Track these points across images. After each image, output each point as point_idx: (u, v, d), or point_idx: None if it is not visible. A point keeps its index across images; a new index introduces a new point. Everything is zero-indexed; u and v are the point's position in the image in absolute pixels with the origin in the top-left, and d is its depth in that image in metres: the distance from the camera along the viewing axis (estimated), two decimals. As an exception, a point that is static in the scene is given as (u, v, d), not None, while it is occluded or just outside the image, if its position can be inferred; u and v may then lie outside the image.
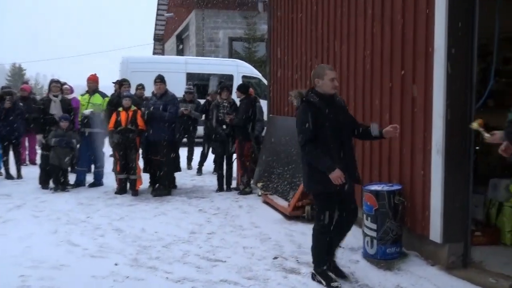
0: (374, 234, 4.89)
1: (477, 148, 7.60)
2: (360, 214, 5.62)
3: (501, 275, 4.41)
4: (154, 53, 34.37)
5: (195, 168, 11.07)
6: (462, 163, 4.66)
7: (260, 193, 8.19)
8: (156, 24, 32.90)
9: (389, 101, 5.44)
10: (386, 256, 4.88)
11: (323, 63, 7.30)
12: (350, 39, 6.43)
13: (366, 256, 5.05)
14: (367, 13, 5.97)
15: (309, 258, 5.11)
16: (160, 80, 8.48)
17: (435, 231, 4.74)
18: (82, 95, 9.49)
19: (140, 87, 10.43)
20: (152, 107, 8.31)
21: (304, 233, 6.10)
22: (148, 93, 9.89)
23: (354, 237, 5.75)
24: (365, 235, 5.05)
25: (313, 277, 4.50)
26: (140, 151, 8.75)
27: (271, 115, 9.89)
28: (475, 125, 4.06)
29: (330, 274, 4.42)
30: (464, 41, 4.58)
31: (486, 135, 3.98)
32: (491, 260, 4.77)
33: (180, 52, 27.83)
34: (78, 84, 14.68)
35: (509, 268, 4.51)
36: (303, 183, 4.56)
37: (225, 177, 8.95)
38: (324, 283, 4.36)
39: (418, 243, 5.11)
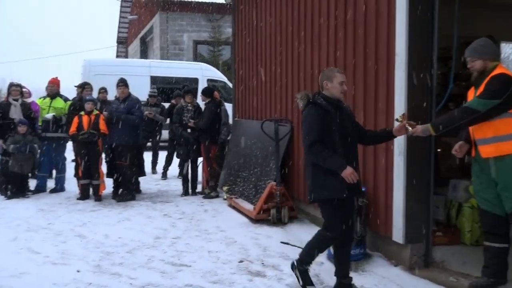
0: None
1: (438, 150, 7.82)
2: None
3: (461, 274, 4.52)
4: (117, 56, 33.93)
5: (159, 172, 10.96)
6: (424, 165, 4.76)
7: (225, 197, 8.16)
8: (119, 27, 32.50)
9: (353, 104, 5.51)
10: (350, 257, 4.92)
11: (287, 66, 7.37)
12: (314, 42, 6.50)
13: (331, 257, 5.08)
14: (331, 17, 6.05)
15: (274, 261, 5.16)
16: (123, 83, 8.38)
17: (398, 232, 4.83)
18: (42, 98, 9.27)
19: (103, 90, 10.27)
20: (115, 111, 8.20)
21: (269, 236, 6.12)
22: (111, 96, 9.75)
23: (319, 239, 5.81)
24: (329, 237, 5.09)
25: (292, 268, 4.47)
26: (103, 155, 8.62)
27: (236, 118, 9.89)
28: (399, 118, 4.19)
29: (310, 277, 4.38)
30: (425, 46, 4.68)
31: (409, 129, 4.10)
32: (451, 259, 4.88)
33: (144, 55, 27.54)
34: (38, 87, 14.35)
35: (468, 267, 4.62)
36: (308, 192, 4.24)
37: (190, 181, 8.89)
38: (300, 282, 4.35)
39: (381, 244, 5.19)
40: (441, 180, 6.26)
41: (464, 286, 4.26)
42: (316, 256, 4.37)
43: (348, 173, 3.97)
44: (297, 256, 4.48)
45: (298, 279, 4.40)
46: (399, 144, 4.76)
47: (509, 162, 3.93)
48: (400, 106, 4.71)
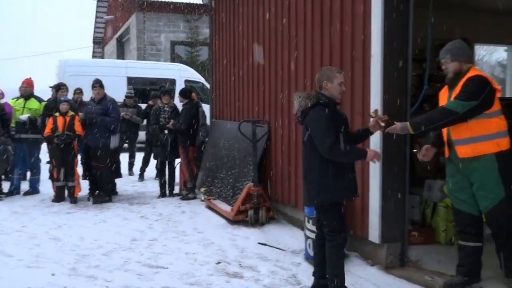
0: (312, 235, 4.94)
1: (414, 150, 7.92)
2: (301, 216, 5.71)
3: (436, 272, 4.58)
4: (93, 57, 33.55)
5: (136, 174, 10.88)
6: (399, 165, 4.80)
7: (203, 198, 8.13)
8: (95, 27, 32.15)
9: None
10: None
11: (264, 67, 7.38)
12: (291, 43, 6.52)
13: (309, 258, 5.11)
14: (307, 18, 6.08)
15: (251, 262, 5.16)
16: (98, 84, 8.28)
17: (374, 232, 4.87)
18: (16, 99, 9.11)
19: (78, 91, 10.14)
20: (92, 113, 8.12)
21: (247, 237, 6.12)
22: (86, 97, 9.64)
23: (296, 240, 5.85)
24: (307, 237, 5.11)
25: None
26: (79, 157, 8.51)
27: (214, 119, 9.87)
28: (372, 114, 4.22)
29: None
30: (400, 47, 4.73)
31: (382, 124, 4.13)
32: (427, 258, 4.94)
33: (120, 56, 27.29)
34: (11, 88, 14.07)
35: (443, 266, 4.69)
36: (310, 197, 4.09)
37: (167, 182, 8.84)
38: None
39: (358, 244, 5.23)
40: (417, 180, 6.35)
41: (439, 284, 4.32)
42: (343, 267, 4.14)
43: (372, 155, 4.03)
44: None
45: None
46: (375, 145, 4.80)
47: (485, 162, 4.00)
48: (375, 106, 4.73)
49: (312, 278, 4.37)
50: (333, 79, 4.05)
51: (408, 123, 4.11)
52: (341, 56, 5.36)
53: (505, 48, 11.55)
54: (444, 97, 4.25)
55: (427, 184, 5.76)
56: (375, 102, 4.76)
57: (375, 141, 4.78)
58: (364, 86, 4.95)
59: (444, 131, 4.22)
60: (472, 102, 3.92)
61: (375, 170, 4.82)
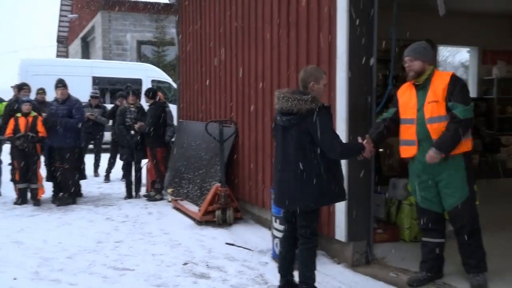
0: (279, 235, 4.95)
1: (380, 150, 8.05)
2: (268, 216, 5.73)
3: (401, 269, 4.66)
4: (57, 56, 32.91)
5: (102, 175, 10.72)
6: (365, 164, 4.85)
7: (170, 199, 8.07)
8: (59, 25, 31.52)
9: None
10: (295, 256, 4.97)
11: (232, 68, 7.37)
12: (258, 44, 6.53)
13: (276, 257, 5.11)
14: (274, 20, 6.10)
15: (219, 262, 5.14)
16: (62, 84, 8.11)
17: (340, 231, 4.92)
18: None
19: (41, 91, 9.91)
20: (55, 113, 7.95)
21: (214, 237, 6.10)
22: (50, 98, 9.43)
23: (263, 239, 5.86)
24: (274, 237, 5.13)
25: None
26: (43, 158, 8.33)
27: (181, 120, 9.81)
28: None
29: None
30: (365, 48, 4.78)
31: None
32: (392, 256, 5.02)
33: (85, 55, 26.84)
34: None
35: (408, 263, 4.77)
36: (304, 200, 3.95)
37: (134, 183, 8.73)
38: None
39: (325, 242, 5.27)
40: (383, 179, 6.46)
41: (403, 281, 4.40)
42: (315, 269, 4.14)
43: (368, 151, 4.11)
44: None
45: None
46: (340, 144, 4.84)
47: (454, 162, 4.08)
48: (341, 106, 4.80)
49: (279, 276, 4.37)
50: (320, 80, 4.02)
51: (436, 150, 4.01)
52: (308, 57, 5.40)
53: (468, 49, 11.84)
54: (408, 96, 4.28)
55: (392, 183, 5.86)
56: (341, 102, 4.81)
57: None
58: (330, 86, 4.98)
59: (413, 131, 4.19)
60: (472, 104, 4.05)
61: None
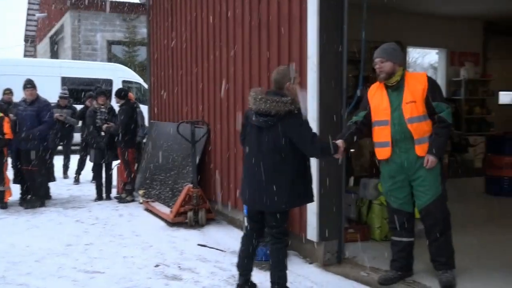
0: (254, 236, 4.97)
1: (351, 150, 8.12)
2: (241, 217, 5.72)
3: (372, 268, 4.71)
4: (25, 56, 32.25)
5: (71, 177, 10.54)
6: (336, 165, 4.89)
7: (141, 201, 7.99)
8: (27, 24, 30.88)
9: (267, 106, 5.59)
10: (267, 257, 4.96)
11: (203, 68, 7.35)
12: (229, 44, 6.52)
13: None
14: (245, 20, 6.10)
15: (191, 264, 5.12)
16: (31, 85, 7.94)
17: (312, 231, 4.95)
18: None
19: (8, 91, 9.68)
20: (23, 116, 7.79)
21: (186, 239, 6.07)
22: (17, 98, 9.22)
23: (235, 240, 5.82)
24: (246, 237, 5.12)
25: None
26: (10, 160, 8.14)
27: (152, 120, 9.72)
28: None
29: None
30: (335, 49, 4.82)
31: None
32: (362, 255, 5.06)
33: (54, 55, 26.38)
34: None
35: (378, 262, 4.82)
36: (277, 201, 3.92)
37: (104, 185, 8.62)
38: None
39: (297, 243, 5.29)
40: (354, 179, 6.52)
41: (374, 280, 4.45)
42: (286, 268, 4.15)
43: (341, 152, 4.17)
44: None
45: None
46: (312, 144, 4.87)
47: None
48: (312, 107, 4.83)
49: (253, 278, 4.37)
50: (295, 79, 4.05)
51: (434, 156, 4.09)
52: (279, 58, 5.42)
53: (437, 51, 12.07)
54: (379, 98, 4.30)
55: (363, 183, 5.92)
56: (312, 102, 4.84)
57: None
58: (302, 87, 5.00)
59: (388, 132, 4.22)
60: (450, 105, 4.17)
61: (312, 170, 4.88)
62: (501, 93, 12.30)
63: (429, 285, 4.25)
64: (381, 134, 4.29)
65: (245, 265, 4.29)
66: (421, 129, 4.13)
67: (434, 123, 4.15)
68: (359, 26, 5.02)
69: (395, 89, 4.23)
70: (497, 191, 8.03)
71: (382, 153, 4.33)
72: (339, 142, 4.22)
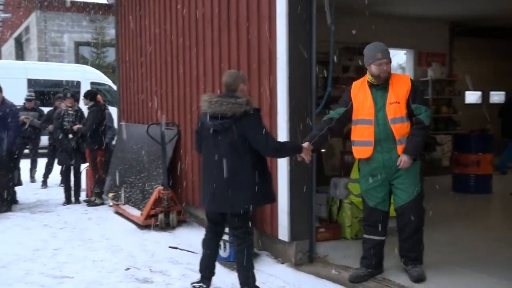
0: (226, 237, 4.95)
1: (322, 150, 8.17)
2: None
3: (343, 267, 4.75)
4: (-11, 57, 31.44)
5: (39, 181, 10.32)
6: (306, 164, 4.91)
7: (111, 204, 7.88)
8: (-10, 26, 30.14)
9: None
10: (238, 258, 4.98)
11: (173, 69, 7.30)
12: (199, 45, 6.50)
13: (220, 259, 5.10)
14: (214, 20, 6.09)
15: (162, 266, 5.08)
16: (-5, 88, 7.75)
17: (283, 231, 4.97)
18: None
19: (-29, 94, 9.43)
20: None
21: (157, 241, 6.01)
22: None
23: (207, 242, 5.80)
24: (218, 239, 5.11)
25: None
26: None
27: (121, 122, 9.61)
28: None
29: None
30: (304, 50, 4.85)
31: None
32: (334, 253, 5.11)
33: (20, 57, 25.81)
34: None
35: (349, 260, 4.87)
36: (241, 201, 3.97)
37: (73, 189, 8.47)
38: None
39: (268, 243, 5.31)
40: (325, 178, 6.57)
41: (345, 278, 4.48)
42: (254, 267, 4.21)
43: (306, 151, 4.22)
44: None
45: None
46: (282, 144, 4.89)
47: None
48: (282, 107, 4.85)
49: (224, 279, 4.36)
50: (245, 81, 4.17)
51: (409, 156, 4.16)
52: (248, 58, 5.42)
53: (405, 51, 12.26)
54: (363, 97, 4.29)
55: (333, 182, 5.96)
56: (282, 102, 4.86)
57: (281, 139, 4.85)
58: (271, 87, 5.03)
59: (371, 131, 4.24)
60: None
61: (283, 170, 4.91)
62: (467, 92, 12.61)
63: (398, 281, 4.30)
64: (364, 133, 4.30)
65: (210, 268, 4.33)
66: (403, 130, 4.19)
67: (412, 125, 4.22)
68: (327, 27, 5.06)
69: (381, 88, 4.26)
70: (463, 188, 8.21)
71: (363, 152, 4.34)
72: (306, 144, 4.28)
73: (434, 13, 10.15)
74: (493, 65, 12.57)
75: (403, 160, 4.15)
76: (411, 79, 4.36)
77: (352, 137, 4.43)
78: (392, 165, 4.23)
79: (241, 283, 4.13)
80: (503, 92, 13.39)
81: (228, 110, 3.88)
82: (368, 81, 4.33)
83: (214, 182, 4.04)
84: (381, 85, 4.25)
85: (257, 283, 4.14)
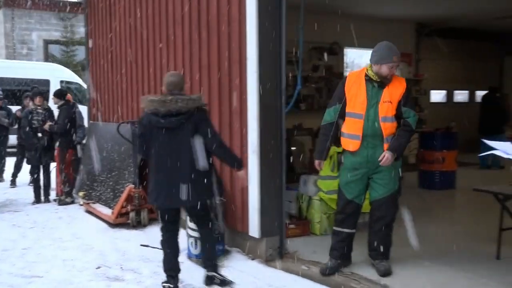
0: (197, 234, 5.00)
1: (293, 148, 8.27)
2: (183, 215, 5.73)
3: (312, 262, 4.84)
4: (-46, 55, 30.63)
5: (7, 180, 10.17)
6: (276, 162, 5.01)
7: (81, 203, 7.84)
8: (-44, 23, 29.38)
9: (209, 105, 5.63)
10: (222, 252, 5.07)
11: (143, 68, 7.30)
12: (169, 45, 6.52)
13: (191, 256, 5.16)
14: (185, 20, 6.12)
15: (133, 264, 5.11)
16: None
17: (254, 227, 5.04)
18: None
19: None
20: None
21: (128, 239, 6.02)
22: None
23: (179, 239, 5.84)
24: (189, 236, 5.16)
25: (214, 279, 4.47)
26: None
27: (92, 121, 9.54)
28: None
29: None
30: (274, 49, 4.92)
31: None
32: (303, 249, 5.20)
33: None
34: None
35: (318, 255, 4.95)
36: (206, 196, 4.31)
37: (42, 188, 8.38)
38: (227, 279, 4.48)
39: (239, 239, 5.38)
40: (295, 175, 6.67)
41: (314, 273, 4.58)
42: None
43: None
44: (206, 270, 4.53)
45: (224, 279, 4.45)
46: (252, 143, 4.97)
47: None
48: (252, 105, 4.92)
49: (196, 276, 4.42)
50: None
51: (392, 154, 4.25)
52: (219, 57, 5.47)
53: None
54: (357, 90, 4.34)
55: (303, 180, 6.07)
56: (252, 101, 4.93)
57: (252, 140, 4.95)
58: (241, 86, 5.10)
59: (360, 126, 4.29)
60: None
61: (253, 167, 4.98)
62: (432, 91, 12.92)
63: (365, 275, 4.41)
64: (353, 127, 4.35)
65: (175, 266, 4.43)
66: (391, 129, 4.30)
67: (399, 126, 4.33)
68: (297, 27, 5.16)
69: (377, 86, 4.32)
70: (429, 184, 8.43)
71: (351, 145, 4.39)
72: (317, 162, 4.56)
73: (401, 14, 10.37)
74: (457, 65, 12.92)
75: (386, 156, 4.24)
76: (409, 88, 4.46)
77: (342, 129, 4.47)
78: (375, 161, 4.32)
79: (204, 260, 4.51)
80: (466, 91, 13.79)
81: (183, 106, 4.09)
82: (366, 75, 4.36)
83: (171, 178, 4.17)
84: (379, 82, 4.32)
85: (228, 279, 4.24)
